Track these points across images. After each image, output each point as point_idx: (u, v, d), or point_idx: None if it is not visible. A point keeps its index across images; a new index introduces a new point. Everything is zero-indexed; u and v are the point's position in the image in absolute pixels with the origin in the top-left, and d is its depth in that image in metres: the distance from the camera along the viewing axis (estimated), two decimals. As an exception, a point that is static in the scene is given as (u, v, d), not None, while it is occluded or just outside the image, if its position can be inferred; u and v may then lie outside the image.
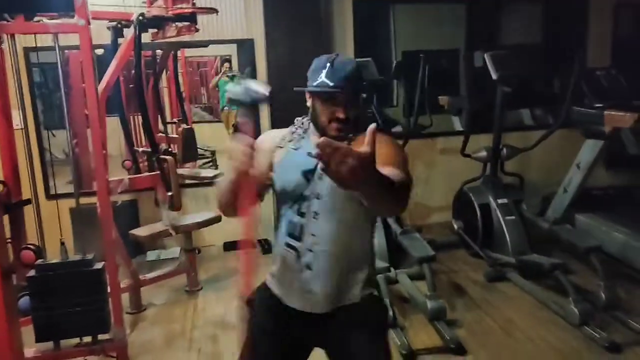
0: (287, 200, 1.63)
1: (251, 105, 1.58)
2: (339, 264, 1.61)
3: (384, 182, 1.20)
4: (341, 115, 1.55)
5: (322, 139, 1.07)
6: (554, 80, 5.62)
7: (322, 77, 1.56)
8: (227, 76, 5.32)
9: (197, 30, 3.43)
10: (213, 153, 5.52)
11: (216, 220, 3.95)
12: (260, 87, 1.58)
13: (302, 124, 1.71)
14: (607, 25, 5.26)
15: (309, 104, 1.64)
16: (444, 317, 3.08)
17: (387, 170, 1.33)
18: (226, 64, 5.37)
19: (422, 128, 5.23)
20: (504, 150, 4.15)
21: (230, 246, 4.73)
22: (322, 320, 1.63)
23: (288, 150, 1.66)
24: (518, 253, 3.73)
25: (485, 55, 3.80)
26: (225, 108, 5.53)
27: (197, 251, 4.00)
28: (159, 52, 4.25)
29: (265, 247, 4.36)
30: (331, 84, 1.54)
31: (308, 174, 1.58)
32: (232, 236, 4.73)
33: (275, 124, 4.63)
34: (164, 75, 4.55)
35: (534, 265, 3.44)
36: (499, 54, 3.83)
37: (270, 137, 1.73)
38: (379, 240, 3.89)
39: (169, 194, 3.48)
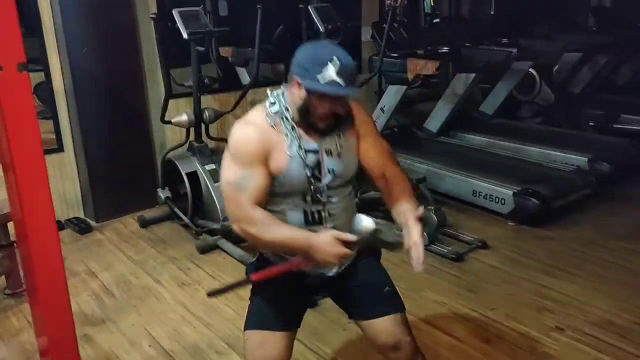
0: (293, 196, 1.65)
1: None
2: (349, 227, 1.68)
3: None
4: (342, 113, 1.58)
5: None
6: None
7: (333, 76, 1.47)
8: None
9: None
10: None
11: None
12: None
13: (280, 111, 1.61)
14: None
15: (297, 95, 1.55)
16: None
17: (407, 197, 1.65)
18: None
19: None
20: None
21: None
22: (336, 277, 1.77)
23: (288, 154, 1.59)
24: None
25: (310, 8, 3.92)
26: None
27: (14, 244, 3.25)
28: None
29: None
30: (343, 84, 1.48)
31: (315, 171, 1.63)
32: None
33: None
34: None
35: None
36: (323, 7, 3.99)
37: (257, 138, 1.59)
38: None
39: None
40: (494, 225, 3.97)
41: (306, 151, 1.60)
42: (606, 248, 3.56)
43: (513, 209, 3.94)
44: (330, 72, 1.46)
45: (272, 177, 1.60)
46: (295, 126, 1.60)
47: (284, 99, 1.63)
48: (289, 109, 1.60)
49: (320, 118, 1.56)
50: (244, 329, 1.80)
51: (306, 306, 1.94)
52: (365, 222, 1.58)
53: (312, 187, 1.63)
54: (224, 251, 3.63)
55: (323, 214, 1.67)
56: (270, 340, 1.74)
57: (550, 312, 2.88)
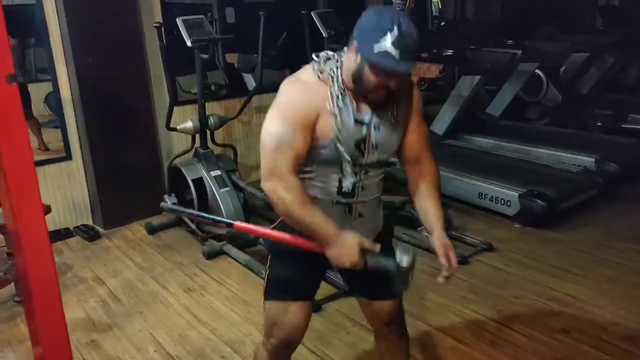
0: (331, 164, 1.62)
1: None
2: (379, 205, 1.78)
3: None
4: (394, 87, 1.52)
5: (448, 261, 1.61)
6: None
7: (388, 46, 1.40)
8: None
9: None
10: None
11: (46, 211, 3.31)
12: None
13: (333, 71, 1.55)
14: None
15: (352, 60, 1.50)
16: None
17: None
18: None
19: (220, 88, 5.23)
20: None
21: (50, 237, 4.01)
22: None
23: (336, 122, 1.54)
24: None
25: (313, 14, 3.94)
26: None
27: (24, 252, 3.30)
28: None
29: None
30: (397, 57, 1.40)
31: (361, 145, 1.60)
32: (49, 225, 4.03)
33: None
34: None
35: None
36: (326, 12, 4.02)
37: (308, 99, 1.54)
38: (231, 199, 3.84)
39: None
40: (499, 228, 3.96)
41: (356, 121, 1.57)
42: (613, 249, 3.54)
43: (519, 211, 3.92)
44: (387, 42, 1.39)
45: (314, 142, 1.56)
46: (346, 91, 1.55)
47: (341, 60, 1.57)
48: (342, 72, 1.55)
49: (370, 89, 1.51)
50: (265, 300, 1.84)
51: (321, 277, 1.97)
52: (406, 256, 1.53)
53: (353, 160, 1.60)
54: (230, 256, 3.65)
55: (357, 187, 1.65)
56: (291, 309, 1.78)
57: (555, 314, 2.86)
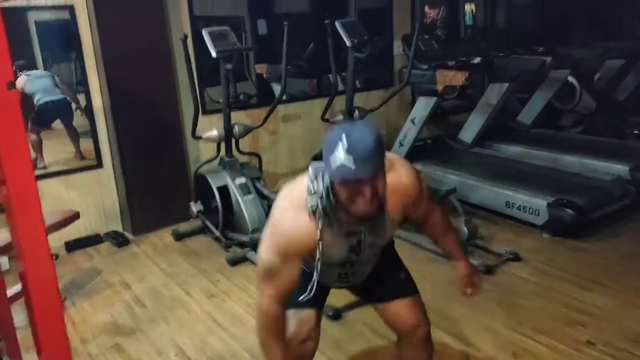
0: (331, 267, 1.75)
1: None
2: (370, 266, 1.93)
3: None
4: (368, 195, 1.44)
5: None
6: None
7: (341, 157, 1.37)
8: None
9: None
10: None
11: (75, 217, 3.42)
12: None
13: (320, 203, 1.54)
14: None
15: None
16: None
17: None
18: None
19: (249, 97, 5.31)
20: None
21: (75, 245, 4.14)
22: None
23: (328, 242, 1.59)
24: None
25: (337, 23, 3.98)
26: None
27: (55, 257, 3.41)
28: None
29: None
30: (353, 166, 1.36)
31: (356, 249, 1.70)
32: (73, 234, 4.15)
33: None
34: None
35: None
36: (350, 22, 4.05)
37: (302, 236, 1.57)
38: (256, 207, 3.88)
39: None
40: (527, 237, 3.87)
41: (347, 234, 1.63)
42: (645, 260, 3.42)
43: (547, 220, 3.83)
44: (339, 153, 1.37)
45: (305, 263, 1.66)
46: (336, 211, 1.54)
47: (323, 182, 1.54)
48: (328, 193, 1.53)
49: (347, 201, 1.47)
50: None
51: (329, 288, 2.02)
52: None
53: (349, 261, 1.75)
54: (253, 263, 3.68)
55: (355, 269, 1.83)
56: (301, 317, 1.85)
57: (582, 326, 2.78)
